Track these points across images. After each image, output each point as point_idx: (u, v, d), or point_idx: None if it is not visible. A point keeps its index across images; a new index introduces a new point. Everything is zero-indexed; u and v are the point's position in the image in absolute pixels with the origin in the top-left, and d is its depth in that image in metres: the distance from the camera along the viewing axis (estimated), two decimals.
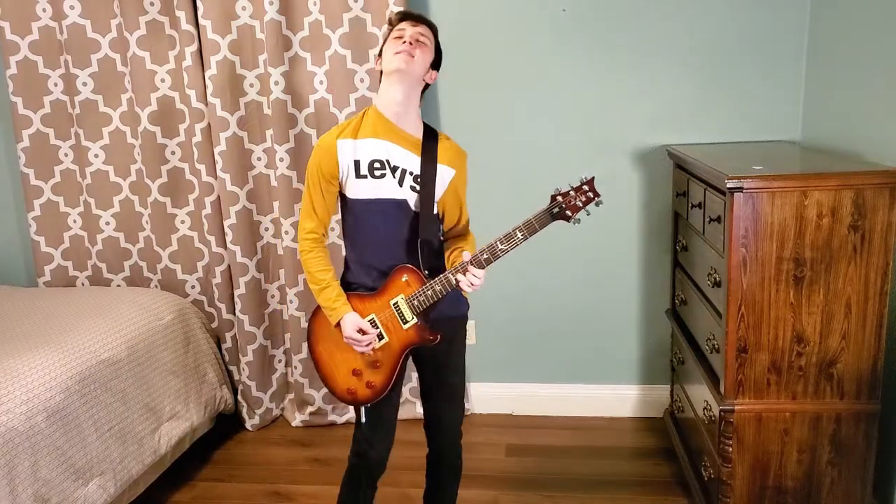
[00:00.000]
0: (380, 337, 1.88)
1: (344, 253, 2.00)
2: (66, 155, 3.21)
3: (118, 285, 3.27)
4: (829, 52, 2.52)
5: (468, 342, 3.16)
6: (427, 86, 1.91)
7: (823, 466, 2.05)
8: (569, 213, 1.77)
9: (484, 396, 3.22)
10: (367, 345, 1.86)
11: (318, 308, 1.94)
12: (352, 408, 2.11)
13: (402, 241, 1.88)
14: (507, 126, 2.94)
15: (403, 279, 1.85)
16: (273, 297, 3.19)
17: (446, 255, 1.96)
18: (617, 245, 2.99)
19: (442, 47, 1.90)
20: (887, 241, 1.91)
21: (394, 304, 1.86)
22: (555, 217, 1.77)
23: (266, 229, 3.12)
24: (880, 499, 2.12)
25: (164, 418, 2.66)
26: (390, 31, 1.87)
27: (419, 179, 1.86)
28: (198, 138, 2.99)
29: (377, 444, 1.99)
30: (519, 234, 1.76)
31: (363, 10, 2.81)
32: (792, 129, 2.76)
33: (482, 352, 3.21)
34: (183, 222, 3.18)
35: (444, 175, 1.89)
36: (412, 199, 1.87)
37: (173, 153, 3.11)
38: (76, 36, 3.03)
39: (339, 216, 1.99)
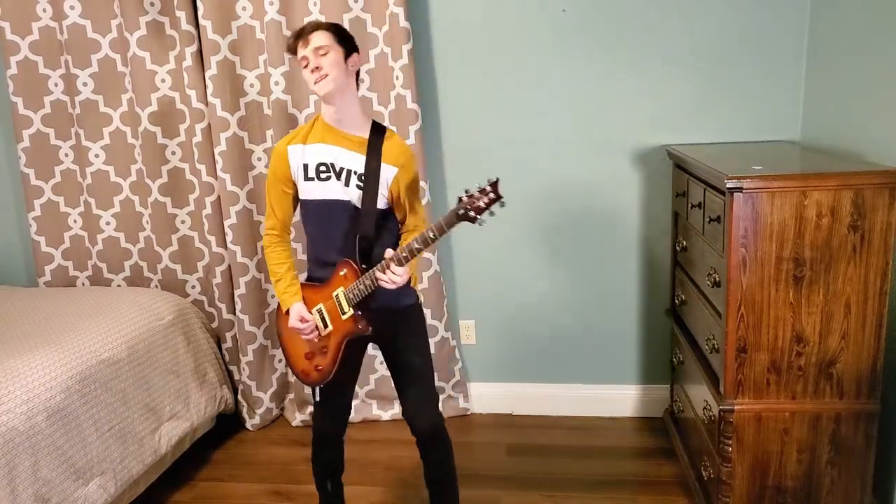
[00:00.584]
0: (325, 325, 2.04)
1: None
2: (66, 155, 3.21)
3: (118, 285, 3.28)
4: (829, 52, 2.52)
5: (468, 342, 3.19)
6: (357, 71, 2.02)
7: (823, 466, 2.05)
8: (472, 213, 1.81)
9: (484, 396, 3.23)
10: (310, 332, 2.03)
11: None
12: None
13: (346, 237, 2.01)
14: (507, 126, 2.94)
15: (342, 273, 2.00)
16: (273, 297, 3.19)
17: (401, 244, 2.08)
18: (617, 245, 2.99)
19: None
20: (887, 241, 1.91)
21: (335, 296, 2.02)
22: (460, 218, 1.82)
23: None
24: (880, 499, 2.12)
25: (164, 418, 2.66)
26: (291, 55, 1.97)
27: (362, 177, 1.98)
28: (198, 138, 3.00)
29: (328, 421, 2.21)
30: (431, 234, 1.85)
31: (363, 10, 2.81)
32: (792, 129, 2.76)
33: (482, 352, 3.21)
34: (183, 222, 3.18)
35: (387, 173, 1.99)
36: (358, 197, 1.99)
37: (174, 153, 3.12)
38: (76, 36, 3.03)
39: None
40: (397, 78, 2.81)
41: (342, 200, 1.99)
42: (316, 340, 2.06)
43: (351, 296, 1.98)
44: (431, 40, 2.91)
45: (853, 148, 2.30)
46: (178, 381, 2.79)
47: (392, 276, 1.89)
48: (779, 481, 2.08)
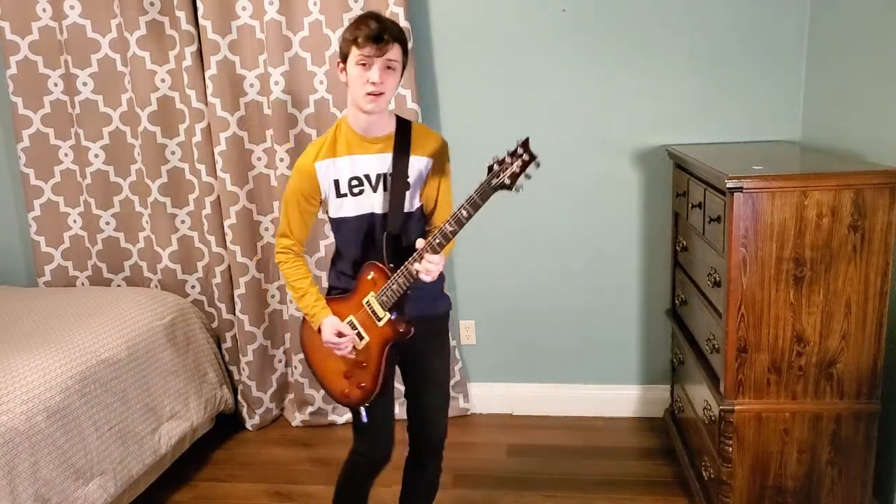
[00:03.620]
0: (360, 337, 1.88)
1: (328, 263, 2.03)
2: (66, 155, 3.21)
3: (118, 285, 3.27)
4: (829, 52, 2.52)
5: (468, 342, 3.19)
6: None
7: (823, 466, 2.05)
8: (508, 181, 1.69)
9: (484, 396, 3.22)
10: (346, 347, 1.87)
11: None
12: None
13: (377, 241, 1.89)
14: (507, 126, 2.93)
15: (369, 277, 1.85)
16: (273, 297, 3.19)
17: None
18: (617, 245, 2.98)
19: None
20: (887, 241, 1.91)
21: (366, 303, 1.86)
22: (495, 188, 1.70)
23: (266, 229, 3.11)
24: (880, 499, 2.12)
25: (164, 418, 2.66)
26: (351, 45, 1.73)
27: (390, 175, 1.85)
28: (198, 138, 2.99)
29: (381, 442, 2.00)
30: (464, 213, 1.72)
31: (363, 10, 2.81)
32: (792, 129, 2.76)
33: (482, 352, 3.21)
34: (183, 222, 3.18)
35: (419, 165, 1.87)
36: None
37: (173, 153, 3.11)
38: (76, 36, 3.03)
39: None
40: None
41: (377, 213, 1.86)
42: (353, 356, 1.89)
43: (384, 298, 1.83)
44: (431, 40, 2.91)
45: (853, 148, 2.30)
46: (178, 381, 2.79)
47: (427, 266, 1.75)
48: (779, 481, 2.08)
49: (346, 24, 2.77)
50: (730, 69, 2.75)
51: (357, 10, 2.80)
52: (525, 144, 1.67)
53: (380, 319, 1.86)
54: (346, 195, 1.86)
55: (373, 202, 1.86)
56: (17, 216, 3.41)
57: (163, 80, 3.03)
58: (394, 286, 1.81)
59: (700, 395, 2.34)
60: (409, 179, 1.85)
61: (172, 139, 3.10)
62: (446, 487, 2.56)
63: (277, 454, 2.99)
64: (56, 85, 3.13)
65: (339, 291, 1.94)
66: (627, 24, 2.78)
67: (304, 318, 1.97)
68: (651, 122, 2.85)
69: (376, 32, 1.70)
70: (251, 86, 2.97)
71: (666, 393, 3.00)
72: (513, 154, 1.68)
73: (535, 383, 3.18)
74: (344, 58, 1.78)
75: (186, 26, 2.88)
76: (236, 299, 3.11)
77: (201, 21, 2.86)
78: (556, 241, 3.02)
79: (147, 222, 3.20)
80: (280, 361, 3.26)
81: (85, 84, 3.08)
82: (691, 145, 2.71)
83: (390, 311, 1.85)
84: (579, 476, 2.69)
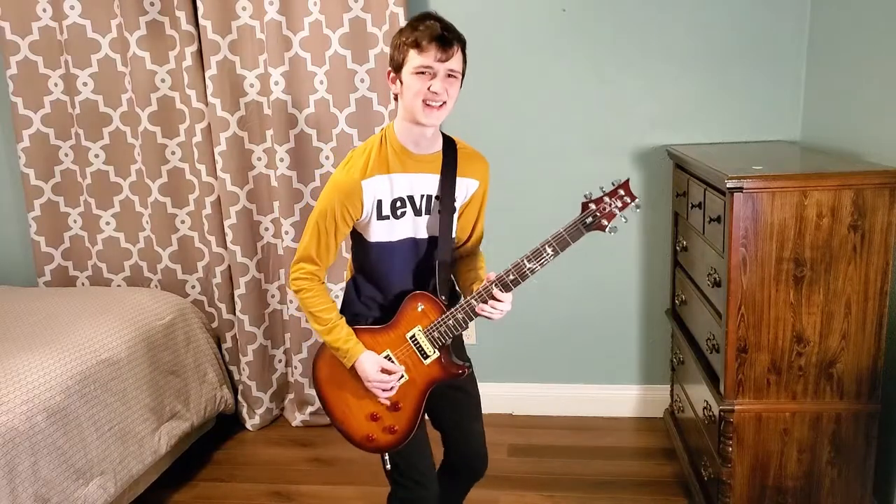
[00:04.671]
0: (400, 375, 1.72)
1: (343, 283, 1.87)
2: (66, 155, 3.21)
3: (118, 285, 3.27)
4: (829, 52, 2.52)
5: (469, 342, 3.19)
6: None
7: (823, 466, 2.05)
8: (604, 221, 1.57)
9: (484, 396, 3.20)
10: (395, 386, 1.70)
11: (322, 347, 1.77)
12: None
13: (420, 268, 1.71)
14: (507, 126, 2.94)
15: (419, 308, 1.67)
16: (273, 297, 3.19)
17: (459, 277, 1.82)
18: (617, 245, 2.98)
19: None
20: (887, 241, 1.91)
21: (411, 338, 1.69)
22: (589, 227, 1.58)
23: (266, 229, 3.12)
24: (880, 499, 2.12)
25: (164, 418, 2.66)
26: (409, 49, 1.57)
27: (439, 199, 1.69)
28: (198, 138, 2.99)
29: (429, 477, 1.81)
30: (549, 250, 1.58)
31: (363, 10, 2.81)
32: (792, 129, 2.76)
33: (482, 352, 3.20)
34: (183, 222, 3.18)
35: (465, 188, 1.73)
36: (434, 225, 1.70)
37: (173, 153, 3.11)
38: (76, 36, 3.03)
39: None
40: None
41: (416, 238, 1.69)
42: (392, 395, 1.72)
43: (436, 335, 1.66)
44: None
45: (853, 148, 2.30)
46: (178, 381, 2.79)
47: (500, 306, 1.61)
48: (779, 481, 2.08)
49: (347, 24, 2.80)
50: (730, 69, 2.75)
51: (357, 11, 2.80)
52: (626, 186, 1.58)
53: (426, 357, 1.70)
54: (388, 217, 1.66)
55: (415, 226, 1.69)
56: (17, 216, 3.41)
57: (163, 80, 3.03)
58: (450, 322, 1.66)
59: (700, 395, 2.34)
60: (455, 203, 1.69)
61: (172, 139, 3.10)
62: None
63: (277, 454, 2.99)
64: (56, 85, 3.13)
65: (370, 320, 1.74)
66: (627, 24, 2.78)
67: (320, 351, 1.78)
68: (651, 122, 2.85)
69: (440, 32, 1.55)
70: (251, 86, 2.97)
71: (666, 393, 3.00)
72: (611, 194, 1.58)
73: (535, 383, 3.18)
74: (397, 67, 1.60)
75: (186, 26, 2.88)
76: (236, 299, 3.11)
77: (201, 21, 2.86)
78: None
79: (147, 222, 3.20)
80: (280, 361, 3.26)
81: (85, 84, 3.08)
82: (691, 145, 2.71)
83: (440, 349, 1.69)
84: (579, 476, 2.69)
